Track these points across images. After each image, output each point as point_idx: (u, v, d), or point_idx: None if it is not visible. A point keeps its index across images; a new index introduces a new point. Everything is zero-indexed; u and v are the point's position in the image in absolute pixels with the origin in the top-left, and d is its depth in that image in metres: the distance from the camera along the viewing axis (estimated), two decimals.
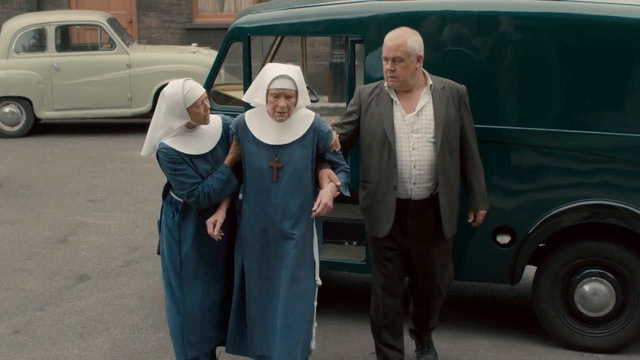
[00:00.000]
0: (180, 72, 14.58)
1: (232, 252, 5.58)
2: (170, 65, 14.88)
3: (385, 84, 5.60)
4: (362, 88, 5.76)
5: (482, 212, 5.82)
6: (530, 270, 6.64)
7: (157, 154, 5.41)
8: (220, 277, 5.62)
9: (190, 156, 5.35)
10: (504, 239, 6.28)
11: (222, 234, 5.40)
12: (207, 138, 5.43)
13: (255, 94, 5.35)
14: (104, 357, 6.40)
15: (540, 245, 6.35)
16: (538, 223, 6.19)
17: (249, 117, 5.42)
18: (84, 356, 6.43)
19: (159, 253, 6.92)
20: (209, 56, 15.16)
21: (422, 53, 5.51)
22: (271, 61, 8.33)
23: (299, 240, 5.37)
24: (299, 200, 5.36)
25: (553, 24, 6.16)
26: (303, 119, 5.38)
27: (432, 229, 5.65)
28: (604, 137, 6.11)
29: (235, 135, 5.42)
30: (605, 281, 6.26)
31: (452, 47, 6.32)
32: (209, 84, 7.05)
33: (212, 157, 5.42)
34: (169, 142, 5.34)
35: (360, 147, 5.72)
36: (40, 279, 8.00)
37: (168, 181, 5.54)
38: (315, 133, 5.37)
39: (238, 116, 5.49)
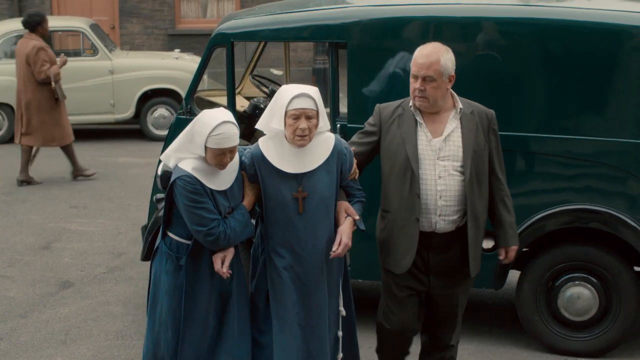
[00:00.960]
0: (163, 78, 14.67)
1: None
2: (153, 71, 14.86)
3: (410, 103, 5.05)
4: (382, 107, 5.22)
5: (514, 249, 5.24)
6: (514, 275, 6.66)
7: (172, 182, 4.80)
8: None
9: (212, 190, 4.79)
10: (487, 244, 6.29)
11: (230, 272, 4.87)
12: (228, 173, 4.86)
13: (271, 119, 4.82)
14: None
15: (524, 249, 6.36)
16: (522, 228, 6.20)
17: (265, 145, 4.88)
18: None
19: (142, 259, 6.96)
20: (192, 62, 15.14)
21: (454, 72, 4.99)
22: (254, 67, 8.34)
23: (329, 273, 4.95)
24: (327, 232, 4.89)
25: (536, 30, 6.19)
26: (324, 141, 4.90)
27: (457, 265, 5.14)
28: (587, 141, 6.14)
29: (250, 172, 4.88)
30: (589, 285, 6.29)
31: None
32: (192, 90, 7.03)
33: (229, 194, 4.87)
34: (190, 170, 4.75)
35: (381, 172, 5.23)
36: (23, 286, 7.95)
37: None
38: (338, 156, 4.90)
39: (252, 146, 4.98)
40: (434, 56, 4.90)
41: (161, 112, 14.80)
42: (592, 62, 6.09)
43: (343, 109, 6.64)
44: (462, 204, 4.99)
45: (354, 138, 5.31)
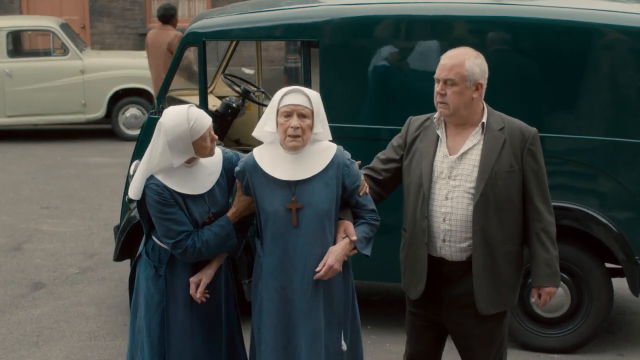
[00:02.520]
0: (134, 78, 14.61)
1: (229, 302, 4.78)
2: (124, 70, 14.80)
3: (436, 114, 4.56)
4: (413, 119, 4.72)
5: (549, 291, 4.53)
6: None
7: (143, 192, 4.48)
8: (219, 330, 4.73)
9: (184, 196, 4.46)
10: None
11: (207, 295, 4.55)
12: (205, 175, 4.53)
13: (265, 123, 4.44)
14: None
15: None
16: None
17: (258, 153, 4.49)
18: None
19: (115, 260, 6.94)
20: None
21: (483, 81, 4.46)
22: (226, 66, 8.33)
23: (327, 299, 4.47)
24: (322, 250, 4.39)
25: (507, 28, 6.22)
26: (323, 151, 4.45)
27: (470, 301, 4.52)
28: (559, 139, 6.18)
29: (242, 181, 4.51)
30: (561, 282, 6.32)
31: (408, 51, 6.35)
32: (164, 90, 7.01)
33: (209, 199, 4.53)
34: (160, 177, 4.43)
35: None
36: None
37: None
38: (339, 168, 4.43)
39: (246, 155, 4.59)
40: (459, 58, 4.42)
41: (133, 112, 14.75)
42: (563, 60, 6.13)
43: None
44: (470, 230, 4.44)
45: (386, 152, 4.76)
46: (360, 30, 6.42)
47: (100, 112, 14.71)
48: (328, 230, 4.42)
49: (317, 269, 4.35)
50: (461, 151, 4.46)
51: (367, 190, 4.55)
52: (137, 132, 14.13)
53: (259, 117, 8.50)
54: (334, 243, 4.43)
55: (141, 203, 4.53)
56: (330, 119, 6.31)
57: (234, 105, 7.78)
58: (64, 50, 14.64)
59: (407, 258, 4.63)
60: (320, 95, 6.37)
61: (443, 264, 4.51)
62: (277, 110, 4.34)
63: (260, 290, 4.50)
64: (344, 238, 4.43)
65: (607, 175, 6.16)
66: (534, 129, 4.54)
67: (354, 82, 6.43)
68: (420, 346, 4.78)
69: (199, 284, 4.53)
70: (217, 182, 4.56)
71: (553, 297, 4.61)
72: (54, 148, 14.22)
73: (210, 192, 4.53)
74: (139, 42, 19.30)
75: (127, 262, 7.08)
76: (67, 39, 14.61)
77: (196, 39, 6.74)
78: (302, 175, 4.38)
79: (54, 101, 14.53)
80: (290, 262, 4.41)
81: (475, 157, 4.44)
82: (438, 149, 4.51)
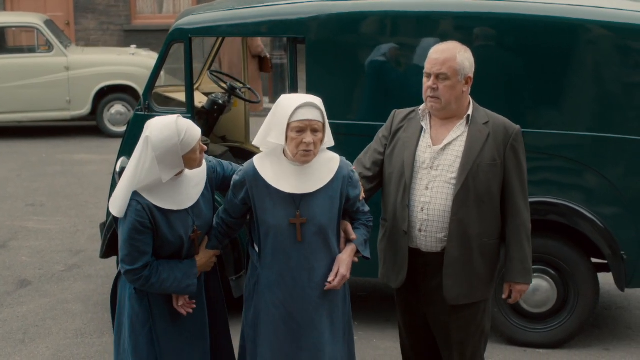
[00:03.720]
0: (119, 74, 14.58)
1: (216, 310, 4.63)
2: (109, 67, 14.76)
3: (422, 106, 4.61)
4: (398, 111, 4.76)
5: (520, 288, 4.62)
6: None
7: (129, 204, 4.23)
8: (204, 337, 4.53)
9: (168, 212, 4.22)
10: None
11: (194, 306, 4.38)
12: (191, 188, 4.32)
13: (268, 133, 4.21)
14: None
15: None
16: None
17: (260, 162, 4.27)
18: None
19: (101, 257, 6.92)
20: (148, 58, 15.06)
21: (472, 74, 4.51)
22: (212, 63, 8.32)
23: (328, 314, 4.32)
24: (324, 264, 4.27)
25: (492, 24, 6.24)
26: (327, 162, 4.29)
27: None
28: (544, 135, 6.19)
29: (239, 192, 4.29)
30: (547, 277, 6.35)
31: (394, 48, 6.36)
32: (150, 86, 6.99)
33: (192, 211, 4.31)
34: (145, 193, 4.18)
35: None
36: None
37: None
38: (343, 181, 4.29)
39: (245, 164, 4.37)
40: (450, 52, 4.44)
41: (118, 109, 14.72)
42: (548, 56, 6.14)
43: None
44: (448, 221, 4.46)
45: (372, 144, 4.77)
46: (347, 27, 6.42)
47: (86, 109, 14.67)
48: (332, 244, 4.29)
49: (330, 279, 4.25)
50: (445, 142, 4.48)
51: (362, 198, 4.45)
52: (122, 128, 14.13)
53: (245, 113, 8.51)
54: (339, 252, 4.33)
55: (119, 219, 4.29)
56: None
57: (220, 101, 7.78)
58: (49, 47, 14.59)
59: (388, 248, 4.66)
60: (307, 91, 6.45)
61: (419, 256, 4.55)
62: (288, 124, 4.10)
63: (256, 304, 4.34)
64: (347, 244, 4.36)
65: (593, 170, 6.18)
66: (517, 126, 4.57)
67: (341, 78, 6.43)
68: (411, 333, 4.84)
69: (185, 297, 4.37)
70: (202, 194, 4.35)
71: (523, 295, 4.66)
72: (39, 145, 14.18)
73: (195, 204, 4.33)
74: (123, 38, 19.25)
75: (114, 259, 7.07)
76: (51, 36, 14.56)
77: (182, 36, 6.72)
78: (308, 188, 4.21)
79: (38, 98, 14.48)
80: (291, 277, 4.25)
81: (458, 148, 4.46)
82: (421, 139, 4.54)
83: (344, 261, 4.29)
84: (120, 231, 4.23)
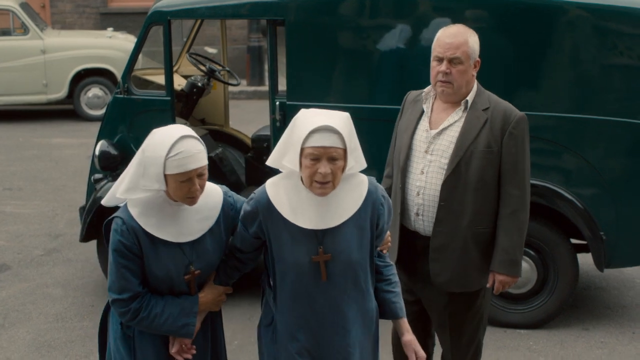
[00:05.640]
0: (96, 58, 14.50)
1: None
2: (86, 50, 14.68)
3: (426, 89, 4.53)
4: (410, 93, 4.68)
5: (502, 279, 4.46)
6: None
7: (109, 221, 3.64)
8: None
9: (156, 240, 3.55)
10: None
11: (193, 351, 3.73)
12: (194, 220, 3.61)
13: (282, 155, 3.53)
14: (27, 348, 6.30)
15: None
16: None
17: (273, 191, 3.59)
18: (6, 347, 6.32)
19: (81, 241, 6.90)
20: (125, 41, 14.99)
21: (479, 58, 4.43)
22: (191, 45, 8.28)
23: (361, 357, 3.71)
24: (355, 307, 3.63)
25: (470, 5, 6.24)
26: (355, 187, 3.60)
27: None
28: None
29: (251, 225, 3.62)
30: (527, 258, 6.37)
31: (374, 29, 6.35)
32: (129, 69, 6.96)
33: (191, 248, 3.61)
34: (136, 212, 3.54)
35: None
36: None
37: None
38: (374, 207, 3.61)
39: (256, 191, 3.66)
40: (462, 36, 4.32)
41: (95, 92, 14.65)
42: (526, 38, 6.15)
43: (282, 87, 6.63)
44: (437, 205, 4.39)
45: (392, 137, 4.64)
46: (326, 9, 6.39)
47: (62, 93, 14.60)
48: (363, 282, 3.64)
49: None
50: (442, 127, 4.40)
51: (386, 249, 3.88)
52: (99, 112, 14.09)
53: (225, 96, 8.48)
54: (365, 295, 3.67)
55: (106, 229, 3.65)
56: (297, 97, 6.36)
57: (200, 84, 7.76)
58: (24, 30, 14.49)
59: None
60: (287, 74, 6.44)
61: (417, 238, 4.48)
62: (301, 150, 3.42)
63: (276, 356, 3.70)
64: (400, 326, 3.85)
65: (573, 152, 6.20)
66: (520, 114, 4.44)
67: (320, 60, 6.41)
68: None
69: (184, 342, 3.71)
70: (211, 230, 3.65)
71: (508, 287, 4.53)
72: (16, 129, 14.09)
73: (199, 241, 3.62)
74: (100, 21, 19.11)
75: (94, 242, 7.06)
76: (27, 19, 14.45)
77: (161, 18, 6.69)
78: (332, 222, 3.54)
79: (14, 81, 14.39)
80: (317, 321, 3.60)
81: (454, 133, 4.38)
82: (420, 123, 4.48)
83: (414, 342, 3.76)
84: (108, 251, 3.61)
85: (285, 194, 3.56)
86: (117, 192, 3.57)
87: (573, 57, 6.18)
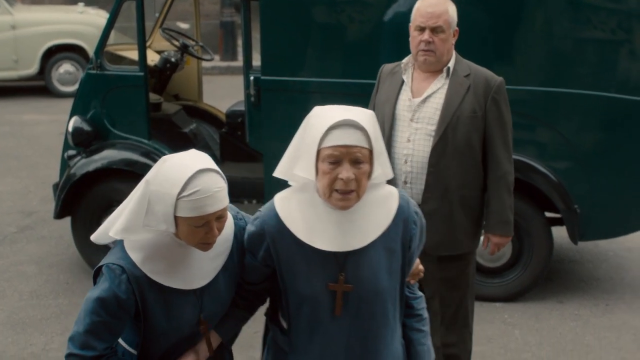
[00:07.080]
0: (68, 33, 14.37)
1: None
2: (57, 25, 14.57)
3: (405, 60, 4.56)
4: (384, 66, 4.72)
5: (496, 241, 4.57)
6: None
7: (99, 267, 2.91)
8: None
9: (167, 290, 2.89)
10: None
11: None
12: (207, 259, 2.94)
13: (294, 163, 2.85)
14: (2, 326, 6.26)
15: None
16: None
17: (284, 206, 2.91)
18: None
19: (55, 217, 6.86)
20: (97, 16, 14.89)
21: (457, 27, 4.48)
22: (164, 21, 8.22)
23: None
24: (382, 345, 2.95)
25: None
26: (382, 201, 2.92)
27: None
28: None
29: (257, 250, 2.94)
30: None
31: (349, 3, 6.32)
32: (101, 44, 6.90)
33: (204, 294, 2.95)
34: (139, 258, 2.86)
35: None
36: None
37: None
38: (406, 226, 2.93)
39: (262, 208, 2.99)
40: (442, 6, 4.37)
41: (66, 68, 14.55)
42: (499, 11, 6.15)
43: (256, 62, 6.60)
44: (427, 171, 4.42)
45: None
46: None
47: (34, 69, 14.49)
48: (392, 317, 2.97)
49: None
50: (425, 95, 4.44)
51: (415, 280, 3.19)
52: (71, 88, 13.98)
53: (198, 71, 8.44)
54: (401, 336, 3.07)
55: (96, 276, 2.95)
56: (272, 72, 6.33)
57: (173, 59, 7.71)
58: None
59: None
60: (261, 49, 6.40)
61: None
62: (318, 152, 2.75)
63: None
64: None
65: (547, 125, 6.22)
66: (500, 79, 4.51)
67: (295, 35, 6.38)
68: None
69: None
70: (224, 268, 3.00)
71: (503, 247, 4.64)
72: None
73: (211, 283, 2.97)
74: None
75: (68, 219, 7.01)
76: None
77: None
78: (356, 242, 2.84)
79: None
80: (334, 357, 2.92)
81: (438, 100, 4.42)
82: (401, 92, 4.50)
83: None
84: (88, 293, 2.91)
85: (299, 209, 2.87)
86: (110, 231, 2.89)
87: (547, 31, 6.19)
